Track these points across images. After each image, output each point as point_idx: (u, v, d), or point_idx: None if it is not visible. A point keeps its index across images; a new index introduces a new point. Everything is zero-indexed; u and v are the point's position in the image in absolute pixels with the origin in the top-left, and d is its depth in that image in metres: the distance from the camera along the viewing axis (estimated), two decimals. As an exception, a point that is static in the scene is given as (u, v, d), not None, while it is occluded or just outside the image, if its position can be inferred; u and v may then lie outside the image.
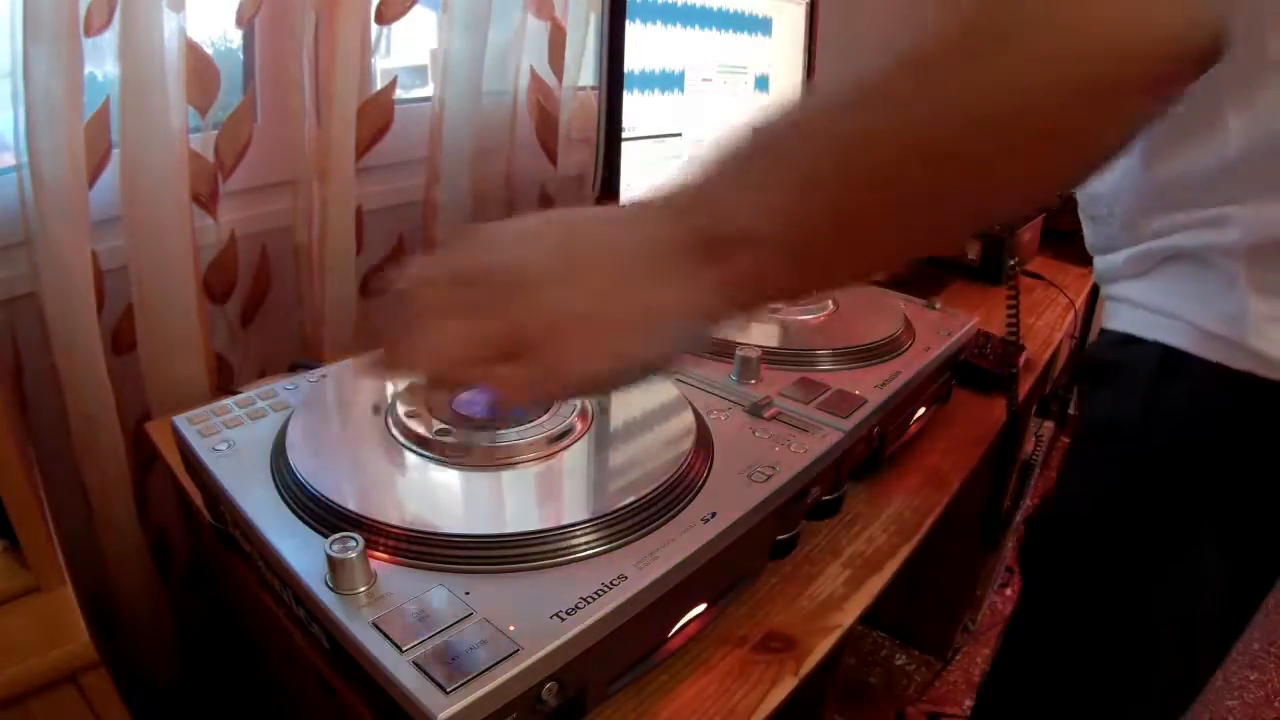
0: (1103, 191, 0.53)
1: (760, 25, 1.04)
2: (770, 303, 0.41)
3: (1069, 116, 0.27)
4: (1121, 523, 0.51)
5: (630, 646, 0.40)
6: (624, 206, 0.32)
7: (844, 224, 0.30)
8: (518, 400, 0.31)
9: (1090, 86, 0.26)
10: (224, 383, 0.81)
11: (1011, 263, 1.12)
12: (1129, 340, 0.50)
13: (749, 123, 0.30)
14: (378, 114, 0.86)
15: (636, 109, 0.87)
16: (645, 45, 0.86)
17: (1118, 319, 0.53)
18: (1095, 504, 0.53)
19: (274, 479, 0.44)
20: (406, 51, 1.05)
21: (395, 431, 0.48)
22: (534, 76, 0.99)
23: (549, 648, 0.34)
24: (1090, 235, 0.57)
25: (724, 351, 0.63)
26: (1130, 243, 0.50)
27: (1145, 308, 0.49)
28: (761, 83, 1.07)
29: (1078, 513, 0.55)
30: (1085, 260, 1.15)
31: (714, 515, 0.43)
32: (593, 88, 0.93)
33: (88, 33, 0.64)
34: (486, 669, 0.32)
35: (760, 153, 0.30)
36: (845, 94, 0.30)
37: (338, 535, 0.36)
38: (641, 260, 0.30)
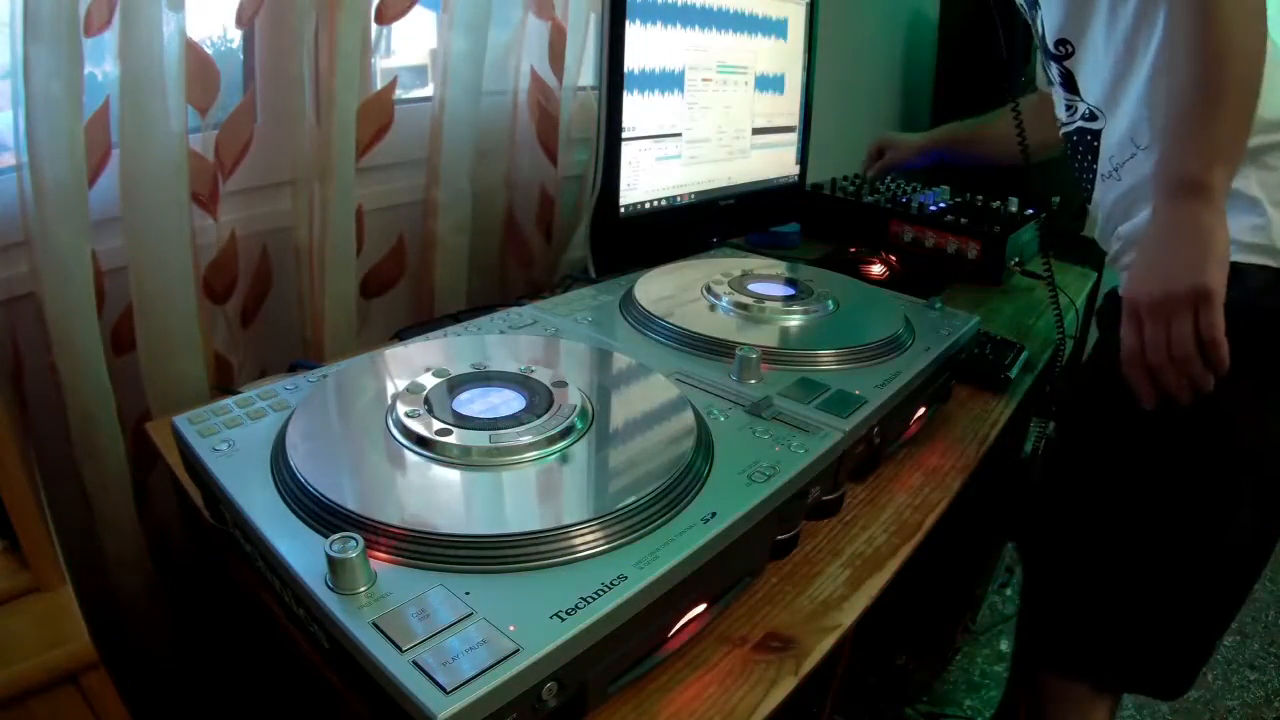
0: (1124, 133, 0.69)
1: (761, 25, 1.04)
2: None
3: None
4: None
5: (630, 646, 0.40)
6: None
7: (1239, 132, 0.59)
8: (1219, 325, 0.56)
9: None
10: (224, 383, 0.81)
11: (1014, 261, 1.12)
12: None
13: None
14: (378, 114, 0.86)
15: (636, 109, 0.87)
16: (645, 45, 0.86)
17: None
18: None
19: (274, 479, 0.44)
20: (406, 51, 1.05)
21: (395, 431, 0.48)
22: (534, 76, 0.99)
23: (549, 648, 0.34)
24: (1115, 198, 0.72)
25: (724, 351, 0.63)
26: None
27: None
28: (761, 82, 1.07)
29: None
30: (1085, 260, 1.16)
31: (714, 515, 0.43)
32: (593, 88, 0.93)
33: (88, 33, 0.64)
34: (486, 669, 0.32)
35: None
36: None
37: (338, 535, 0.37)
38: (1190, 228, 0.58)
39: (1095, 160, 0.74)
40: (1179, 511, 0.67)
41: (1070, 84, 0.75)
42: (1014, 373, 0.81)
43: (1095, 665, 0.74)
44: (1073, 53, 0.73)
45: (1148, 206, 0.67)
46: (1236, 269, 0.60)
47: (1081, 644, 0.74)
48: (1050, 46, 0.75)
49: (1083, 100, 0.74)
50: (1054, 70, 0.76)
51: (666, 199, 0.97)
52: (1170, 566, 0.68)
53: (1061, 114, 0.79)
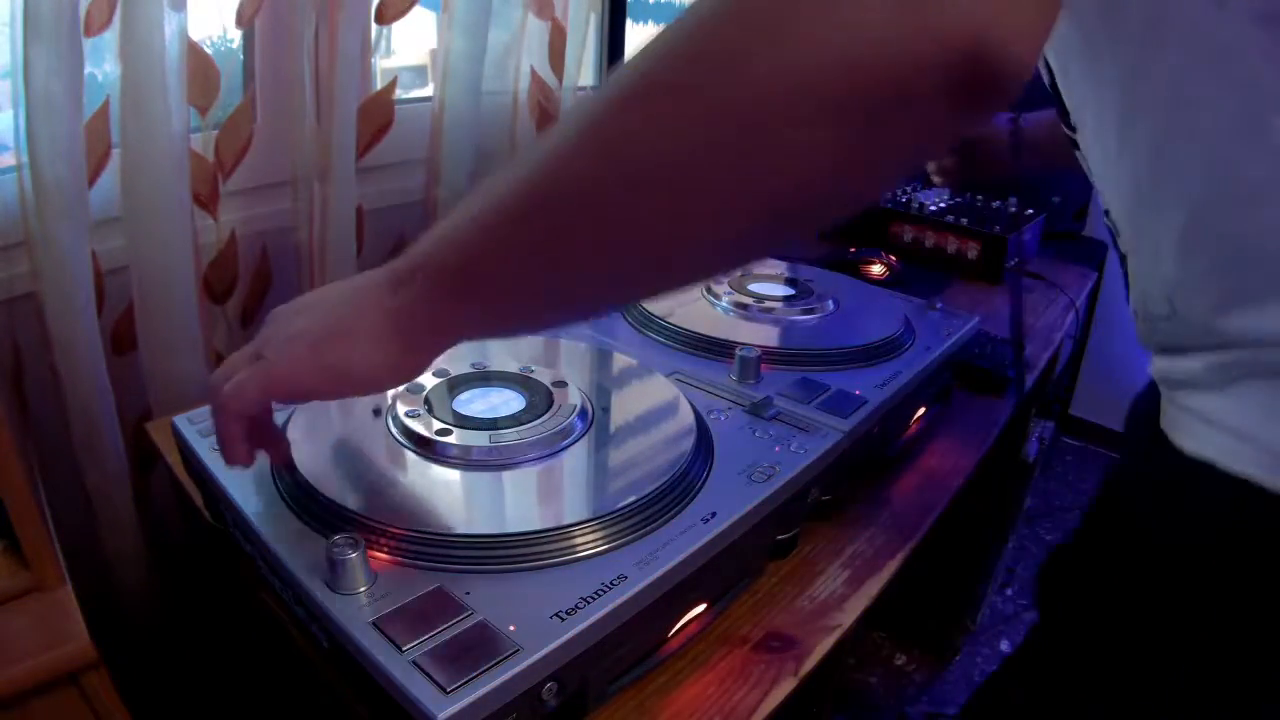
0: (1155, 285, 0.41)
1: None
2: (473, 334, 0.39)
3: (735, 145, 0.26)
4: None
5: (630, 646, 0.40)
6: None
7: (497, 253, 0.32)
8: (241, 395, 0.38)
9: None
10: (224, 383, 0.81)
11: (1014, 261, 1.12)
12: (1205, 468, 0.38)
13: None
14: (378, 114, 0.86)
15: (636, 109, 0.87)
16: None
17: (1189, 436, 0.40)
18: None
19: (274, 479, 0.44)
20: (406, 51, 1.05)
21: (395, 431, 0.48)
22: (534, 76, 0.99)
23: (549, 648, 0.34)
24: (1146, 334, 0.44)
25: (724, 351, 0.63)
26: (1208, 345, 0.38)
27: (1228, 430, 0.38)
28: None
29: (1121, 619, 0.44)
30: (1085, 260, 1.14)
31: (714, 515, 0.43)
32: (593, 88, 0.93)
33: (88, 33, 0.64)
34: (486, 669, 0.32)
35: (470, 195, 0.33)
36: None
37: (338, 535, 0.37)
38: (352, 296, 0.37)
39: (1126, 286, 0.46)
40: None
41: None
42: (1014, 373, 0.81)
43: None
44: (1075, 130, 0.44)
45: (1192, 350, 0.41)
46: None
47: None
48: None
49: (1104, 206, 0.45)
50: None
51: (666, 199, 0.97)
52: None
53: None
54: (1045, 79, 0.44)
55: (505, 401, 0.51)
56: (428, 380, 0.53)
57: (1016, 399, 0.75)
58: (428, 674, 0.32)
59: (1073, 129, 0.43)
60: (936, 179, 1.14)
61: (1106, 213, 0.45)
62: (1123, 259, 0.45)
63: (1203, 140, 0.34)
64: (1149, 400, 0.44)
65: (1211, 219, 0.36)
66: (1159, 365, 0.44)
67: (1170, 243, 0.38)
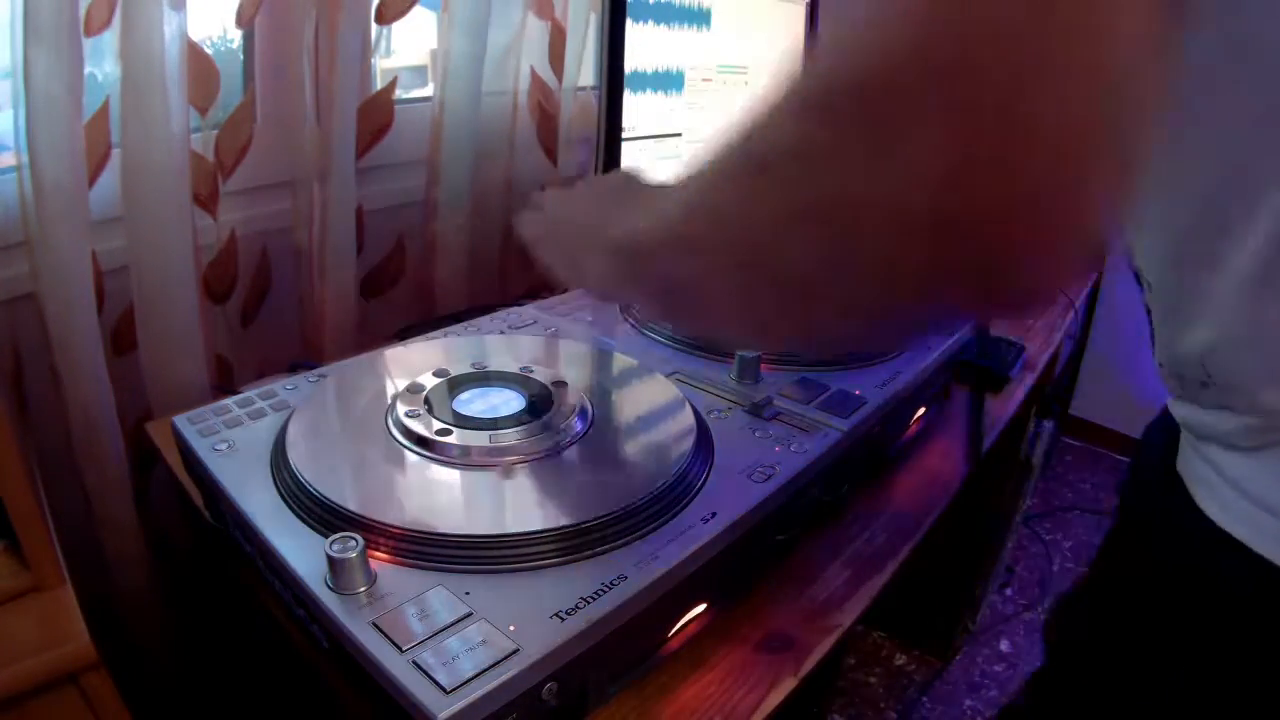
0: (1188, 347, 0.37)
1: (761, 24, 1.04)
2: None
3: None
4: None
5: (630, 646, 0.40)
6: None
7: None
8: None
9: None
10: (224, 383, 0.81)
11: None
12: (1227, 542, 0.35)
13: None
14: (378, 114, 0.86)
15: (636, 109, 0.87)
16: (645, 45, 0.86)
17: (1214, 501, 0.37)
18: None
19: (274, 479, 0.44)
20: (406, 51, 1.05)
21: (395, 431, 0.48)
22: (534, 77, 0.99)
23: (549, 648, 0.34)
24: (1176, 389, 0.40)
25: (724, 351, 0.63)
26: (1247, 412, 0.35)
27: (1256, 501, 0.34)
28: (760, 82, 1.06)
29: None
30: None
31: (714, 515, 0.43)
32: (593, 88, 0.93)
33: (88, 33, 0.64)
34: (486, 669, 0.32)
35: None
36: None
37: (338, 535, 0.37)
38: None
39: (1151, 334, 0.42)
40: None
41: None
42: (1014, 373, 0.81)
43: None
44: None
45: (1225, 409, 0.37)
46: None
47: None
48: None
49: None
50: None
51: (666, 199, 0.97)
52: None
53: None
54: None
55: (505, 401, 0.51)
56: (428, 380, 0.53)
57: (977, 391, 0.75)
58: (428, 674, 0.32)
59: None
60: None
61: (1136, 278, 0.40)
62: (1147, 309, 0.41)
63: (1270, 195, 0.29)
64: (1165, 435, 0.41)
65: (1273, 284, 0.31)
66: (1183, 412, 0.40)
67: (1216, 305, 0.33)
